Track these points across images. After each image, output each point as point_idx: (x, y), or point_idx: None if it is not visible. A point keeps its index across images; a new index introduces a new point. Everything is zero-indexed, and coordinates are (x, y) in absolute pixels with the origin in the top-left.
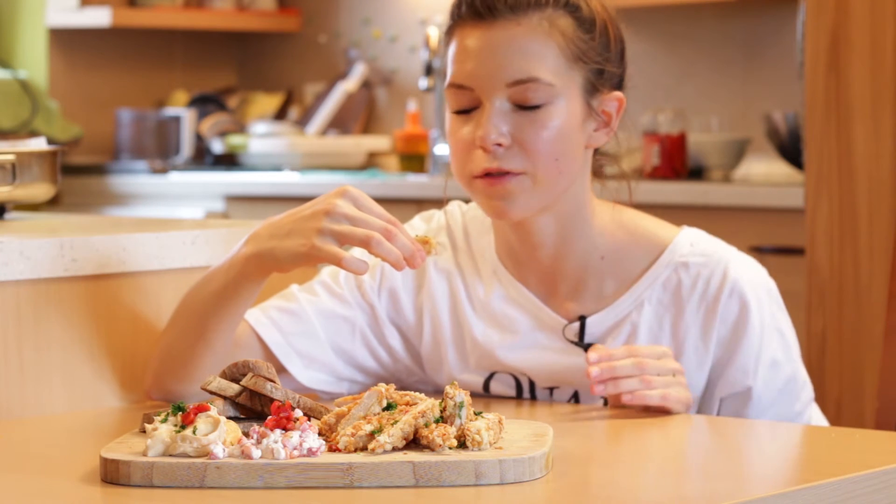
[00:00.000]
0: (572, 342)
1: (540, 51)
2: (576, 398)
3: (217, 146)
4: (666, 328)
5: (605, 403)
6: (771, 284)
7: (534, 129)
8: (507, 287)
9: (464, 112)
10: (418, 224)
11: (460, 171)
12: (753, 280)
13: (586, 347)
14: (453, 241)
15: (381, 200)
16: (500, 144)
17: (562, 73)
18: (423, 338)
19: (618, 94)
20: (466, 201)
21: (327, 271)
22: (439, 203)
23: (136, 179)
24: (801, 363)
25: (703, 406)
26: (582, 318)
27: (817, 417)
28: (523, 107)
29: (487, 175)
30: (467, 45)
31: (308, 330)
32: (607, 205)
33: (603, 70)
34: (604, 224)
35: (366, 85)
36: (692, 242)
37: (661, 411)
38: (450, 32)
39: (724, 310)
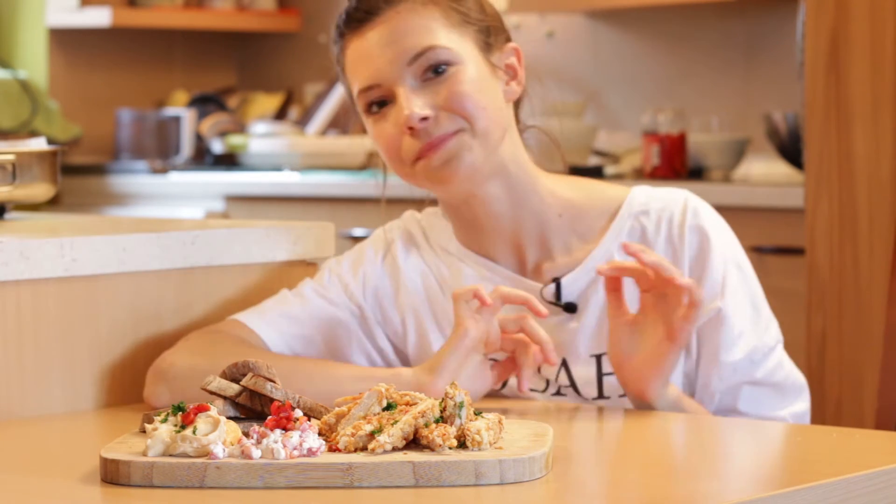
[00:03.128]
0: (551, 303)
1: (426, 24)
2: (564, 365)
3: (217, 146)
4: None
5: (599, 395)
6: (727, 227)
7: (450, 88)
8: (477, 267)
9: (379, 107)
10: (379, 234)
11: (398, 164)
12: (710, 212)
13: (565, 307)
14: (415, 243)
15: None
16: (425, 119)
17: (453, 38)
18: (408, 337)
19: (511, 44)
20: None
21: (314, 278)
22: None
23: (136, 179)
24: (764, 301)
25: None
26: (556, 280)
27: (789, 364)
28: (432, 74)
29: (423, 154)
30: (360, 51)
31: (304, 333)
32: (556, 173)
33: (489, 27)
34: (552, 185)
35: None
36: (647, 193)
37: (672, 333)
38: (341, 52)
39: (689, 241)
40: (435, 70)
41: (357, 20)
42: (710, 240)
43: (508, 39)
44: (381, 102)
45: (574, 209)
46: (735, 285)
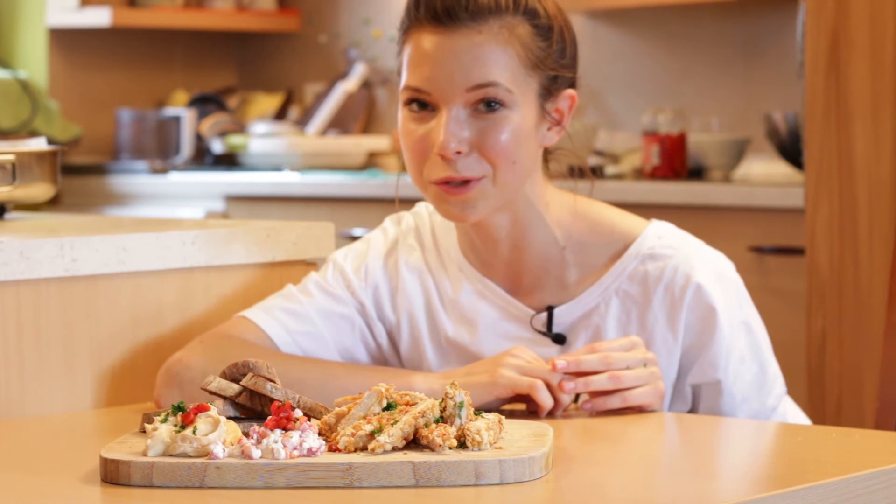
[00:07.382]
0: (540, 332)
1: (500, 58)
2: None
3: (217, 146)
4: (633, 319)
5: (576, 400)
6: (737, 279)
7: (492, 134)
8: (474, 282)
9: (419, 107)
10: (389, 226)
11: (416, 174)
12: (719, 278)
13: (554, 338)
14: (421, 242)
15: (381, 200)
16: (459, 152)
17: (519, 80)
18: (401, 337)
19: (570, 91)
20: None
21: (319, 272)
22: None
23: (136, 179)
24: (771, 357)
25: (675, 393)
26: (549, 308)
27: (792, 411)
28: (483, 107)
29: (446, 182)
30: (426, 49)
31: (312, 330)
32: (568, 197)
33: (557, 75)
34: (561, 216)
35: (366, 85)
36: (659, 235)
37: (636, 409)
38: (406, 33)
39: (690, 303)
40: (487, 104)
41: (436, 17)
42: (716, 315)
43: (572, 85)
44: (423, 104)
45: (580, 243)
46: (742, 352)
